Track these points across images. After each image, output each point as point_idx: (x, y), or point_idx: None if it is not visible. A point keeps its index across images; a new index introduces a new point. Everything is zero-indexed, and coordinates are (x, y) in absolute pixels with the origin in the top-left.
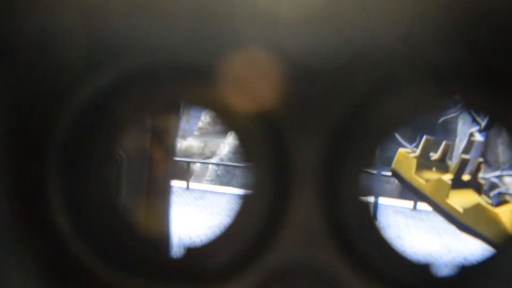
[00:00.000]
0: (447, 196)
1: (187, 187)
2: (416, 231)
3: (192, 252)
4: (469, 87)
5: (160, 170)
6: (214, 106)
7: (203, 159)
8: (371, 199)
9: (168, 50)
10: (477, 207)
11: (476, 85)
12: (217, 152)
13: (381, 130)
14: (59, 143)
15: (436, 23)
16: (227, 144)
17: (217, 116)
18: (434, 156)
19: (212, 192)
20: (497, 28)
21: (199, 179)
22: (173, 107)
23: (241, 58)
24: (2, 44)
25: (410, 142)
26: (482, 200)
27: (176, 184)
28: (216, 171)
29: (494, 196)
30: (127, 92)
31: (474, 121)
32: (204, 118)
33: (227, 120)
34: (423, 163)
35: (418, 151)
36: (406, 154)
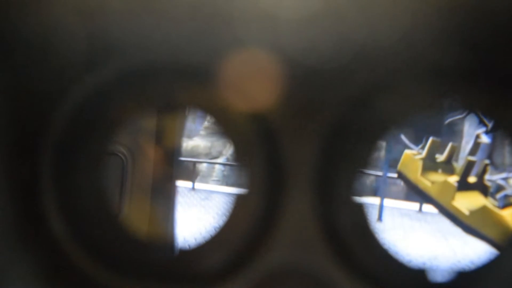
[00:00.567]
0: (452, 198)
1: (193, 188)
2: (421, 233)
3: (185, 254)
4: (469, 87)
5: (165, 170)
6: (209, 106)
7: (210, 159)
8: (365, 200)
9: (167, 50)
10: (483, 209)
11: (476, 85)
12: (224, 152)
13: (376, 131)
14: (54, 143)
15: (436, 23)
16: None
17: (211, 116)
18: (440, 158)
19: (218, 192)
20: (497, 28)
21: (205, 179)
22: (171, 107)
23: (239, 58)
24: (0, 42)
25: (416, 144)
26: (488, 202)
27: (182, 184)
28: (222, 171)
29: (500, 198)
30: (124, 91)
31: (481, 122)
32: (210, 118)
33: (220, 120)
34: (429, 165)
35: (424, 152)
36: (412, 156)
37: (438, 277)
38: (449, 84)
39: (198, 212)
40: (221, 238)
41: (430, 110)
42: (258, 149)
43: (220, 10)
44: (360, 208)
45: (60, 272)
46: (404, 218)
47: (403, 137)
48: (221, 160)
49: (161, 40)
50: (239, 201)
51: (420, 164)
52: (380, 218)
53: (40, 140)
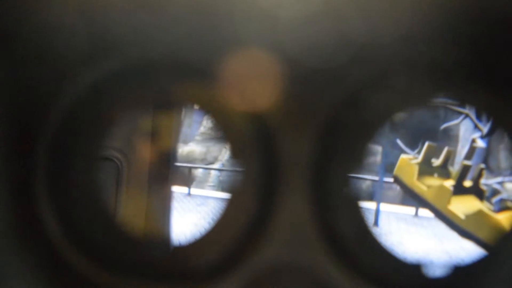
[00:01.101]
0: (448, 202)
1: (189, 193)
2: (417, 237)
3: (179, 252)
4: (468, 86)
5: (161, 174)
6: (206, 105)
7: (206, 164)
8: (360, 199)
9: (167, 48)
10: (479, 213)
11: (475, 84)
12: (219, 157)
13: (372, 129)
14: (48, 143)
15: (436, 22)
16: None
17: (207, 114)
18: (436, 162)
19: (214, 198)
20: (497, 27)
21: (201, 185)
22: (167, 108)
23: (239, 57)
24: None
25: (412, 149)
26: (483, 206)
27: (178, 190)
28: (218, 176)
29: (496, 202)
30: (121, 90)
31: (476, 127)
32: (206, 123)
33: (217, 118)
34: (425, 169)
35: (420, 157)
36: (408, 161)
37: (436, 272)
38: (448, 83)
39: (194, 218)
40: (215, 236)
41: (428, 108)
42: (254, 148)
43: (220, 9)
44: (355, 206)
45: (56, 273)
46: (400, 223)
47: (399, 141)
48: (217, 165)
49: (161, 39)
50: (233, 199)
51: (416, 169)
52: (376, 222)
53: (35, 140)
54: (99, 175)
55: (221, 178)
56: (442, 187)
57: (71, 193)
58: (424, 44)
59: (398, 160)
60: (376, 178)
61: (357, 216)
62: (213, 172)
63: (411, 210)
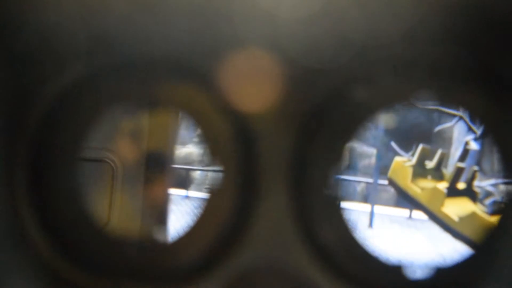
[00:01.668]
0: (442, 204)
1: (187, 196)
2: (411, 239)
3: (159, 252)
4: (467, 87)
5: (157, 177)
6: (185, 105)
7: (203, 166)
8: (342, 200)
9: (165, 48)
10: (472, 215)
11: (474, 85)
12: None
13: (356, 128)
14: (30, 144)
15: (436, 22)
16: None
17: (188, 114)
18: (430, 164)
19: None
20: (498, 28)
21: (199, 187)
22: (161, 109)
23: (237, 57)
24: None
25: (407, 151)
26: (477, 208)
27: (176, 192)
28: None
29: (489, 204)
30: (113, 89)
31: (470, 129)
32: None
33: (195, 118)
34: (419, 171)
35: (414, 159)
36: (402, 163)
37: (418, 274)
38: (447, 83)
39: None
40: (194, 237)
41: (422, 110)
42: (234, 148)
43: (219, 9)
44: (336, 207)
45: (39, 278)
46: (394, 225)
47: (393, 144)
48: (215, 168)
49: (159, 38)
50: (212, 200)
51: (410, 171)
52: (370, 224)
53: (16, 141)
54: (83, 176)
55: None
56: (435, 189)
57: (53, 195)
58: (424, 45)
59: (392, 162)
60: (370, 180)
61: (338, 217)
62: (210, 174)
63: (405, 212)
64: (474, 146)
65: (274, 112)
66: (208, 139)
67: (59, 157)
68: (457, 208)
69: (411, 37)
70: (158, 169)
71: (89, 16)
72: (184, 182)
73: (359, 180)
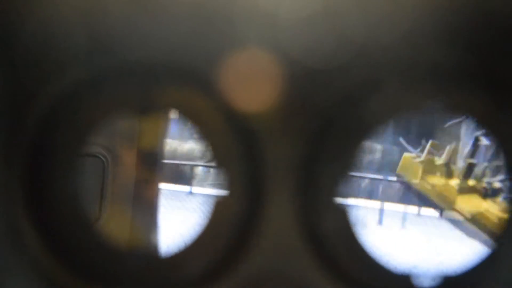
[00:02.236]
0: (454, 201)
1: (191, 192)
2: (420, 237)
3: (164, 261)
4: (467, 89)
5: (147, 173)
6: (188, 108)
7: (205, 162)
8: (349, 204)
9: (165, 49)
10: (484, 212)
11: (475, 88)
12: None
13: (364, 131)
14: (28, 143)
15: (437, 23)
16: None
17: (189, 117)
18: (439, 160)
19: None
20: (499, 30)
21: (201, 183)
22: (154, 108)
23: (238, 58)
24: None
25: (415, 147)
26: (488, 205)
27: (179, 188)
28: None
29: (500, 200)
30: (108, 91)
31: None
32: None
33: (199, 122)
34: (428, 167)
35: (423, 155)
36: (411, 159)
37: (424, 282)
38: (448, 85)
39: (199, 218)
40: (200, 244)
41: (424, 110)
42: (239, 152)
43: (220, 10)
44: (343, 212)
45: (32, 282)
46: (403, 222)
47: (402, 140)
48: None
49: (159, 39)
50: (218, 206)
51: (420, 167)
52: (380, 221)
53: (14, 142)
54: (81, 177)
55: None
56: (447, 186)
57: (51, 197)
58: (424, 46)
59: (400, 158)
60: (380, 176)
61: (345, 223)
62: (213, 170)
63: (413, 209)
64: (484, 141)
65: (277, 115)
66: (211, 144)
67: (57, 159)
68: (468, 205)
69: (412, 38)
70: (149, 166)
71: (89, 19)
72: (187, 178)
73: (363, 176)
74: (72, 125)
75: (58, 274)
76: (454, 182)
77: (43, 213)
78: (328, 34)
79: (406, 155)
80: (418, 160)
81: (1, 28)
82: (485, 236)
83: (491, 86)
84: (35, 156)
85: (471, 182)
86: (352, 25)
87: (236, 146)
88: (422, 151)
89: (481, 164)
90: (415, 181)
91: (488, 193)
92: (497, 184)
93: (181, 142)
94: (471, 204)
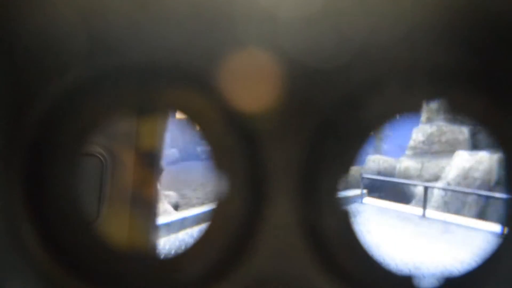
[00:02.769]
0: None
1: (423, 215)
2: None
3: (165, 264)
4: (468, 90)
5: (146, 175)
6: (189, 109)
7: (422, 181)
8: (350, 207)
9: (165, 49)
10: None
11: (476, 88)
12: (442, 175)
13: (361, 133)
14: (27, 143)
15: (437, 23)
16: (454, 167)
17: (189, 117)
18: None
19: (456, 224)
20: (500, 30)
21: (420, 203)
22: (153, 109)
23: (237, 59)
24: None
25: None
26: None
27: (410, 210)
28: (442, 196)
29: None
30: (107, 91)
31: None
32: (416, 137)
33: (200, 123)
34: None
35: None
36: None
37: (425, 283)
38: (448, 86)
39: (444, 247)
40: (202, 247)
41: (421, 111)
42: (240, 155)
43: (219, 10)
44: (344, 212)
45: (30, 281)
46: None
47: None
48: (441, 184)
49: (159, 40)
50: (219, 209)
51: None
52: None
53: (12, 140)
54: (79, 177)
55: (445, 198)
56: None
57: (50, 197)
58: (424, 46)
59: None
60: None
61: (345, 223)
62: (436, 191)
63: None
64: None
65: (278, 115)
66: (211, 144)
67: (57, 159)
68: None
69: (412, 38)
70: (148, 166)
71: (89, 19)
72: (419, 199)
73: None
74: (72, 125)
75: (57, 274)
76: None
77: (42, 212)
78: (328, 34)
79: None
80: None
81: (1, 28)
82: None
83: (491, 86)
84: (35, 156)
85: None
86: (352, 25)
87: (237, 146)
88: None
89: None
90: None
91: None
92: None
93: (397, 161)
94: None
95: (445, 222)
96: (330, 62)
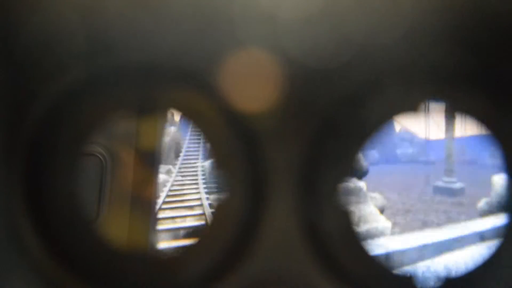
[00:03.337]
0: None
1: None
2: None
3: (165, 264)
4: (467, 90)
5: (145, 174)
6: (189, 109)
7: None
8: (350, 207)
9: (165, 50)
10: None
11: (475, 88)
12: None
13: (361, 133)
14: (27, 143)
15: (437, 23)
16: None
17: (191, 118)
18: None
19: None
20: (499, 30)
21: None
22: (153, 109)
23: (237, 59)
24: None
25: None
26: None
27: None
28: None
29: None
30: (107, 91)
31: None
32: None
33: (200, 124)
34: None
35: None
36: None
37: (424, 283)
38: (448, 85)
39: None
40: (202, 246)
41: (422, 111)
42: (241, 155)
43: (219, 11)
44: (344, 213)
45: (30, 280)
46: None
47: None
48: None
49: (159, 40)
50: (220, 209)
51: None
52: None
53: (13, 139)
54: (79, 177)
55: None
56: None
57: (50, 196)
58: (424, 46)
59: None
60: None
61: (346, 223)
62: None
63: None
64: None
65: (278, 115)
66: (212, 144)
67: (57, 159)
68: None
69: (412, 38)
70: (147, 166)
71: (89, 19)
72: None
73: None
74: (72, 125)
75: (57, 274)
76: None
77: (42, 212)
78: (328, 34)
79: None
80: None
81: (1, 28)
82: None
83: (491, 86)
84: (35, 155)
85: None
86: (352, 25)
87: (237, 146)
88: None
89: None
90: None
91: None
92: None
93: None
94: None
95: None
96: (330, 62)
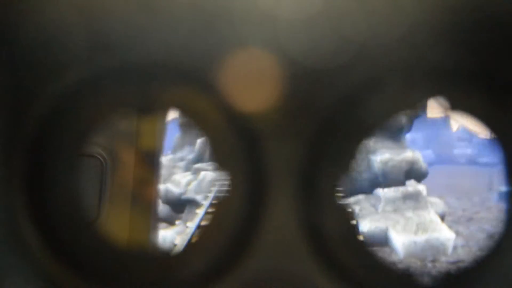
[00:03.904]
0: None
1: None
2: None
3: (166, 262)
4: (467, 89)
5: (146, 173)
6: (189, 109)
7: None
8: (350, 205)
9: (165, 49)
10: None
11: (475, 87)
12: None
13: (361, 132)
14: (28, 143)
15: (437, 23)
16: None
17: (190, 117)
18: None
19: None
20: (499, 30)
21: None
22: (153, 108)
23: (237, 59)
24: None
25: None
26: None
27: None
28: None
29: None
30: (107, 91)
31: None
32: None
33: (200, 123)
34: None
35: None
36: None
37: (423, 280)
38: (448, 85)
39: None
40: (203, 244)
41: (421, 110)
42: (240, 154)
43: (219, 11)
44: (344, 211)
45: (30, 280)
46: None
47: None
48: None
49: (159, 40)
50: (220, 208)
51: None
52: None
53: (14, 139)
54: (80, 176)
55: None
56: None
57: (50, 195)
58: (424, 46)
59: None
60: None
61: (346, 223)
62: None
63: None
64: None
65: (278, 115)
66: (212, 144)
67: (57, 159)
68: None
69: (412, 38)
70: (147, 166)
71: (89, 19)
72: None
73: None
74: (72, 125)
75: (58, 273)
76: None
77: (43, 212)
78: (328, 34)
79: None
80: None
81: (1, 28)
82: None
83: (491, 86)
84: (35, 156)
85: None
86: (353, 25)
87: (237, 146)
88: None
89: None
90: None
91: None
92: None
93: None
94: None
95: None
96: (330, 62)
